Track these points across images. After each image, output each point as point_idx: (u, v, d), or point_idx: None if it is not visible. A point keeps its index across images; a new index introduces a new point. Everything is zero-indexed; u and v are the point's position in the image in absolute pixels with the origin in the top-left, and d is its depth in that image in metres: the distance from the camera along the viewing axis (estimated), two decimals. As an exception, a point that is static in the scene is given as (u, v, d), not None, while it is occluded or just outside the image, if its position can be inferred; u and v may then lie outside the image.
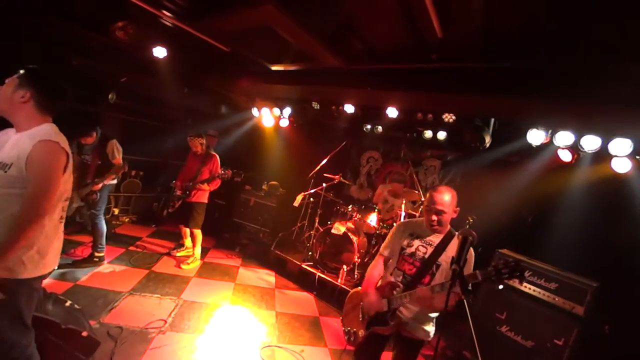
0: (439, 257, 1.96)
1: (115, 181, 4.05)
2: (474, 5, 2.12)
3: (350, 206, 4.88)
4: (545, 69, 2.84)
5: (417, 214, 4.62)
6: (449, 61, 2.96)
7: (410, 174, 4.97)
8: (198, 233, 4.52)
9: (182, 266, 4.39)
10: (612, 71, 2.55)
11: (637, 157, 3.19)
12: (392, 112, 4.34)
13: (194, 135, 4.35)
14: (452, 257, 1.44)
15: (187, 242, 4.69)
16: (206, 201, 4.52)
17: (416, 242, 2.04)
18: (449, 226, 2.04)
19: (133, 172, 5.83)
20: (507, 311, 3.17)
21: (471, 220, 3.77)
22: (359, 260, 4.59)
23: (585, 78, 2.68)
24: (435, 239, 2.02)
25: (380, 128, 5.40)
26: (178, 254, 4.64)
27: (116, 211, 5.63)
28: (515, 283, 3.21)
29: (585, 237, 3.56)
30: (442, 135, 4.74)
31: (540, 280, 3.07)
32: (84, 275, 3.59)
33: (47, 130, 1.61)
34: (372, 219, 4.69)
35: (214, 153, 4.53)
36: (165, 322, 3.11)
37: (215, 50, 3.79)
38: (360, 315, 2.11)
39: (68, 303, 2.41)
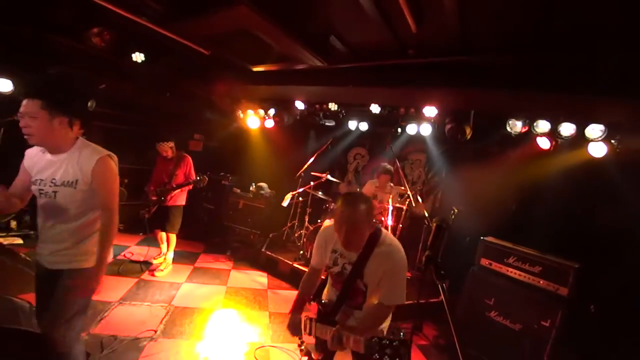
0: (361, 275, 1.75)
1: None
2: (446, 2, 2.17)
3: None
4: (520, 62, 2.92)
5: (405, 207, 4.69)
6: (425, 56, 3.01)
7: (396, 168, 5.04)
8: (173, 237, 4.41)
9: (156, 274, 4.23)
10: (584, 62, 2.63)
11: (612, 141, 3.31)
12: (375, 108, 4.40)
13: (163, 140, 4.19)
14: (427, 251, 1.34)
15: (164, 247, 4.50)
16: (184, 203, 4.42)
17: (340, 260, 1.84)
18: (365, 239, 1.72)
19: (118, 180, 5.74)
20: (495, 296, 3.25)
21: (456, 211, 3.84)
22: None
23: (559, 69, 2.77)
24: (355, 255, 1.78)
25: (365, 124, 5.45)
26: (155, 261, 4.47)
27: (102, 221, 5.52)
28: (501, 269, 3.30)
29: (567, 221, 3.69)
30: (425, 129, 4.82)
31: (524, 265, 3.16)
32: (71, 287, 3.52)
33: (93, 145, 1.91)
34: (361, 215, 4.73)
35: (185, 154, 4.41)
36: (157, 330, 3.08)
37: (196, 53, 3.77)
38: (302, 327, 1.95)
39: (54, 315, 2.37)
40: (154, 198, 4.24)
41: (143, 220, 5.61)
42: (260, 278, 4.79)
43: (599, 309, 3.32)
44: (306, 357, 2.04)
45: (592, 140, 3.31)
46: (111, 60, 3.72)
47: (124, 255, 4.67)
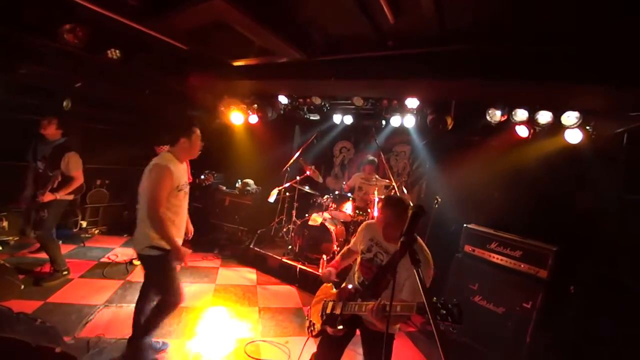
0: (395, 266, 1.78)
1: (72, 197, 3.70)
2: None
3: (326, 197, 4.94)
4: (497, 52, 2.96)
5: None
6: (404, 47, 3.03)
7: (381, 160, 5.08)
8: None
9: (135, 262, 4.38)
10: (560, 52, 2.70)
11: (587, 127, 3.42)
12: (357, 101, 4.41)
13: (160, 143, 4.26)
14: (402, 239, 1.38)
15: None
16: None
17: (375, 248, 2.06)
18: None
19: (98, 182, 5.58)
20: (479, 282, 3.35)
21: (439, 200, 3.91)
22: (338, 248, 4.66)
23: (536, 59, 2.83)
24: (392, 247, 1.99)
25: (350, 118, 5.46)
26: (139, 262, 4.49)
27: (84, 224, 5.39)
28: (484, 254, 3.39)
29: (546, 206, 3.80)
30: (409, 121, 4.86)
31: (506, 250, 3.26)
32: (53, 292, 3.44)
33: None
34: (348, 208, 4.77)
35: None
36: (145, 330, 3.05)
37: (174, 49, 3.68)
38: (321, 310, 2.13)
39: (38, 321, 2.31)
40: None
41: (126, 221, 5.55)
42: (249, 274, 4.78)
43: (577, 289, 3.46)
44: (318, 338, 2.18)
45: (568, 127, 3.41)
46: (86, 57, 3.59)
47: (108, 257, 4.58)
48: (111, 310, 3.30)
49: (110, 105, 5.38)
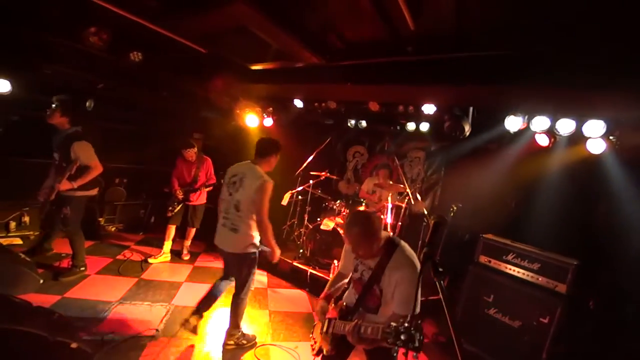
0: (379, 280, 1.85)
1: (92, 192, 3.79)
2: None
3: (338, 201, 4.92)
4: (518, 57, 2.90)
5: (404, 205, 4.69)
6: (424, 53, 3.00)
7: (395, 166, 5.03)
8: (194, 230, 4.98)
9: (150, 260, 4.56)
10: (582, 57, 2.63)
11: (611, 137, 3.30)
12: (374, 106, 4.38)
13: (188, 147, 4.61)
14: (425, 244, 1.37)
15: (166, 246, 4.77)
16: (205, 201, 4.95)
17: (360, 267, 2.00)
18: (382, 246, 1.86)
19: (117, 180, 5.73)
20: (494, 294, 3.26)
21: (455, 209, 3.85)
22: (350, 254, 4.63)
23: (558, 64, 2.76)
24: (373, 262, 1.90)
25: (364, 122, 5.44)
26: (156, 260, 4.63)
27: (102, 221, 5.53)
28: (500, 266, 3.30)
29: (565, 218, 3.68)
30: (424, 126, 4.81)
31: (523, 262, 3.16)
32: (70, 288, 3.52)
33: None
34: (361, 213, 4.73)
35: (206, 156, 4.86)
36: (158, 328, 3.09)
37: (193, 52, 3.76)
38: (321, 327, 2.09)
39: (55, 315, 2.38)
40: (181, 197, 4.64)
41: (142, 220, 5.68)
42: (260, 277, 4.79)
43: (597, 305, 3.33)
44: (319, 357, 2.16)
45: (590, 137, 3.30)
46: (109, 59, 3.70)
47: (124, 254, 4.67)
48: (125, 308, 3.36)
49: (130, 105, 5.53)
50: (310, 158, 5.36)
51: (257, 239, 2.85)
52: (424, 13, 2.44)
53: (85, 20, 3.19)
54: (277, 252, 2.92)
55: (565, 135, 3.41)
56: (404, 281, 1.75)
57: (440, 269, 1.24)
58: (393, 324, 1.35)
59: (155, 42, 3.64)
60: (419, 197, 4.84)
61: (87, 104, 4.50)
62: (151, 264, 4.52)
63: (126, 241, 5.23)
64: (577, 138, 3.43)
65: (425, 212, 4.65)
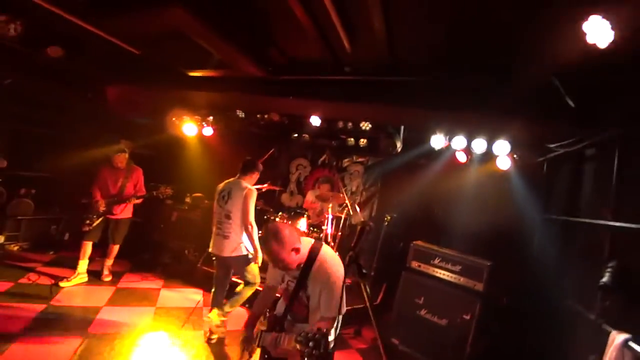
0: (305, 288, 1.89)
1: None
2: (376, 25, 2.39)
3: (280, 213, 4.90)
4: (441, 84, 3.29)
5: (344, 216, 4.87)
6: (360, 74, 3.24)
7: (336, 179, 5.21)
8: (117, 248, 4.50)
9: (61, 284, 3.96)
10: (493, 86, 3.07)
11: (515, 156, 3.89)
12: (315, 120, 4.53)
13: (119, 152, 4.26)
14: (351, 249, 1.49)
15: (81, 266, 4.22)
16: (131, 215, 4.54)
17: (286, 277, 2.01)
18: (305, 255, 1.90)
19: (23, 191, 4.92)
20: (424, 295, 3.53)
21: (389, 218, 4.11)
22: (291, 266, 4.60)
23: (474, 91, 3.19)
24: (297, 272, 1.93)
25: (307, 136, 5.56)
26: (69, 283, 4.05)
27: (1, 239, 4.68)
28: (429, 269, 3.60)
29: (482, 225, 4.18)
30: (363, 142, 5.10)
31: (447, 265, 3.49)
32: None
33: None
34: (302, 224, 4.77)
35: (137, 166, 4.49)
36: (70, 360, 2.69)
37: (124, 52, 3.50)
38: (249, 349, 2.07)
39: None
40: (102, 209, 4.15)
41: (55, 237, 4.96)
42: (194, 296, 4.49)
43: (511, 300, 3.79)
44: None
45: (499, 155, 3.84)
46: (22, 52, 3.25)
47: (29, 277, 4.01)
48: (30, 340, 2.86)
49: (44, 105, 4.87)
50: (252, 170, 5.27)
51: (245, 242, 3.33)
52: (359, 38, 2.65)
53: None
54: (260, 254, 3.29)
55: (479, 153, 3.93)
56: (327, 286, 1.81)
57: (364, 271, 1.34)
58: (302, 333, 1.43)
59: (80, 39, 3.32)
60: (357, 208, 5.06)
61: (-12, 101, 3.87)
62: (63, 287, 3.94)
63: (32, 262, 4.50)
64: (489, 156, 3.98)
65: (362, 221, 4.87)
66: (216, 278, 3.54)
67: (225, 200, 3.32)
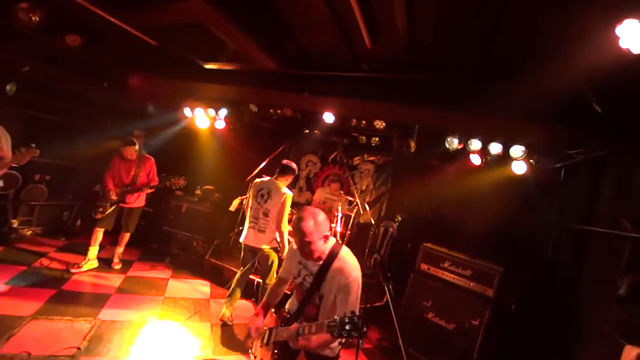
0: (320, 287, 1.86)
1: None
2: (399, 22, 2.34)
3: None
4: (459, 84, 3.23)
5: (353, 215, 4.84)
6: (377, 71, 3.19)
7: (346, 177, 5.19)
8: (128, 236, 4.55)
9: (72, 270, 4.02)
10: (512, 88, 3.00)
11: (531, 161, 3.80)
12: (328, 117, 4.49)
13: (128, 144, 4.24)
14: (372, 250, 1.48)
15: (92, 252, 4.26)
16: (143, 204, 4.61)
17: (303, 272, 1.97)
18: (327, 251, 1.87)
19: (37, 177, 4.99)
20: (432, 299, 3.49)
21: (399, 219, 4.07)
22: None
23: (492, 94, 3.12)
24: (315, 267, 1.89)
25: (318, 132, 5.53)
26: (80, 269, 4.10)
27: (15, 223, 4.77)
28: (438, 272, 3.56)
29: (494, 229, 4.12)
30: (375, 140, 5.05)
31: (457, 269, 3.45)
32: (-32, 301, 2.97)
33: None
34: (311, 221, 4.76)
35: (149, 156, 4.51)
36: (79, 347, 2.73)
37: (141, 43, 3.51)
38: (261, 340, 2.04)
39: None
40: (114, 197, 4.19)
41: (66, 223, 5.03)
42: (202, 287, 4.53)
43: (519, 307, 3.74)
44: None
45: (514, 159, 3.76)
46: (40, 40, 3.27)
47: (41, 262, 4.08)
48: (40, 323, 2.92)
49: (60, 94, 4.92)
50: (263, 164, 5.27)
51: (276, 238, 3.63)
52: (380, 34, 2.60)
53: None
54: (286, 249, 3.48)
55: (494, 156, 3.86)
56: (345, 288, 1.78)
57: (389, 274, 1.31)
58: (336, 317, 1.40)
59: (99, 28, 3.33)
60: (367, 207, 5.03)
61: (8, 87, 3.91)
62: (74, 273, 4.00)
63: (44, 247, 4.58)
64: (504, 159, 3.90)
65: (373, 222, 4.84)
66: (243, 263, 3.82)
67: (265, 200, 3.60)
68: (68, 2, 2.78)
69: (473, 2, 2.11)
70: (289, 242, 4.53)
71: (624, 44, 1.71)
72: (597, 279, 3.08)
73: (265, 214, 3.58)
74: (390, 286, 1.27)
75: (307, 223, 1.77)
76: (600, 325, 2.69)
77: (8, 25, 2.97)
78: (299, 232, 1.79)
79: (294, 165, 3.74)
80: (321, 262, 1.86)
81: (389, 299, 1.22)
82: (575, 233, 3.41)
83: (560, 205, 3.76)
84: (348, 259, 1.87)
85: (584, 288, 3.19)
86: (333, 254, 1.86)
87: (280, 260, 3.78)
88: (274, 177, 3.69)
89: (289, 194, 3.55)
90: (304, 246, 1.80)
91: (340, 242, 2.00)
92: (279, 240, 3.58)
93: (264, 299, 2.18)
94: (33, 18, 2.82)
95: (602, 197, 3.27)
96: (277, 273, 3.42)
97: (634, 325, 2.41)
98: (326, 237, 1.84)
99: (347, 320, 1.37)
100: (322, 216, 1.83)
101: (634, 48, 1.68)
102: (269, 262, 3.62)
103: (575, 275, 3.27)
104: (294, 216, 1.92)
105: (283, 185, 3.61)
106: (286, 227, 3.53)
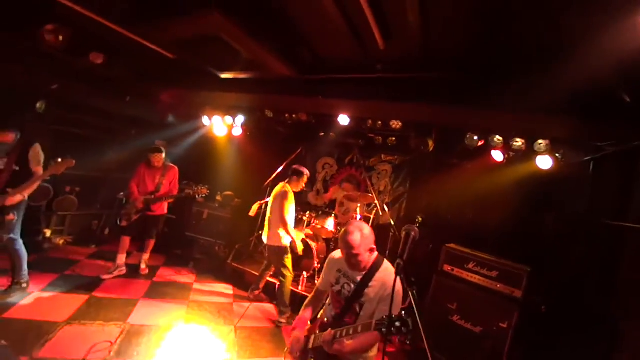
0: (362, 295, 1.89)
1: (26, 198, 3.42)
2: (411, 19, 2.31)
3: (308, 213, 4.91)
4: (476, 81, 3.15)
5: (372, 216, 4.79)
6: (392, 72, 3.16)
7: (363, 178, 5.15)
8: (153, 242, 4.73)
9: (102, 277, 4.18)
10: (533, 82, 2.90)
11: (557, 155, 3.64)
12: (343, 119, 4.48)
13: (156, 151, 4.43)
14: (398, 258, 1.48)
15: (120, 259, 4.42)
16: (166, 212, 4.73)
17: (342, 280, 2.00)
18: (371, 261, 1.92)
19: (68, 189, 5.26)
20: (457, 301, 3.40)
21: (420, 219, 3.99)
22: (319, 265, 4.61)
23: (512, 89, 3.02)
24: (358, 276, 1.93)
25: (333, 135, 5.52)
26: (110, 276, 4.26)
27: (48, 232, 5.03)
28: (462, 274, 3.46)
29: (518, 227, 3.97)
30: (391, 140, 4.99)
31: (483, 270, 3.35)
32: (9, 307, 3.14)
33: None
34: (330, 224, 4.75)
35: (173, 165, 4.66)
36: (110, 350, 2.84)
37: (160, 57, 3.63)
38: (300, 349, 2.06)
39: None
40: (141, 206, 4.34)
41: (96, 232, 5.24)
42: (225, 291, 4.61)
43: (549, 308, 3.58)
44: None
45: (539, 154, 3.62)
46: (65, 59, 3.45)
47: (73, 269, 4.28)
48: (74, 328, 3.06)
49: (86, 109, 5.17)
50: (280, 169, 5.33)
51: (285, 237, 3.92)
52: (393, 34, 2.57)
53: (46, 19, 2.96)
54: (298, 244, 4.05)
55: (518, 150, 3.72)
56: (388, 298, 1.73)
57: (413, 279, 1.30)
58: (384, 316, 1.44)
59: (119, 44, 3.48)
60: (386, 208, 4.97)
61: (39, 105, 4.15)
62: (104, 279, 4.17)
63: (76, 255, 4.80)
64: (528, 155, 3.76)
65: (392, 223, 4.78)
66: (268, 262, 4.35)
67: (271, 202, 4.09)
68: (90, 22, 2.92)
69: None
70: (310, 246, 4.59)
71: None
72: (634, 278, 2.91)
73: (272, 213, 4.00)
74: (415, 291, 1.26)
75: (354, 237, 1.83)
76: (633, 330, 2.54)
77: (36, 47, 3.14)
78: (345, 245, 1.85)
79: (301, 168, 4.10)
80: (365, 272, 1.90)
81: (413, 304, 1.21)
82: (608, 229, 3.23)
83: (590, 200, 3.58)
84: (390, 271, 1.90)
85: (620, 289, 3.02)
86: (377, 265, 1.91)
87: (294, 255, 4.10)
88: (286, 181, 4.05)
89: (286, 188, 3.92)
90: (351, 258, 1.86)
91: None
92: (282, 234, 3.87)
93: (300, 313, 2.20)
94: (59, 39, 2.97)
95: (636, 191, 3.09)
96: (288, 270, 3.95)
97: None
98: (372, 250, 1.90)
99: (395, 319, 1.41)
100: (367, 229, 1.90)
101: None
102: (281, 259, 3.93)
103: (609, 275, 3.11)
104: (342, 230, 1.97)
105: (290, 187, 3.99)
106: (286, 223, 3.81)
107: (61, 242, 5.14)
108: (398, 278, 1.80)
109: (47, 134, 4.59)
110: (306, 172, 4.12)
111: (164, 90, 4.59)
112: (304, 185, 4.17)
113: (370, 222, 4.85)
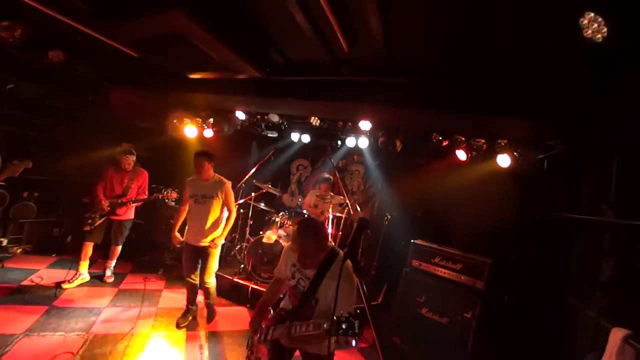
0: (316, 291, 1.88)
1: None
2: (373, 25, 2.39)
3: (281, 214, 4.91)
4: (439, 85, 3.29)
5: (344, 216, 4.87)
6: (358, 74, 3.24)
7: (336, 179, 5.23)
8: (119, 249, 4.51)
9: (63, 286, 3.97)
10: (492, 84, 3.07)
11: (515, 153, 3.88)
12: (315, 121, 4.55)
13: (128, 153, 4.31)
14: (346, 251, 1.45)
15: (83, 267, 4.25)
16: (133, 217, 4.58)
17: (297, 275, 1.99)
18: (322, 255, 1.89)
19: (25, 194, 4.95)
20: (425, 294, 3.53)
21: (389, 217, 4.11)
22: (292, 266, 4.61)
23: (473, 91, 3.18)
24: (311, 273, 1.91)
25: (307, 137, 5.57)
26: (71, 285, 4.07)
27: (4, 241, 4.72)
28: (429, 268, 3.60)
29: (482, 223, 4.17)
30: (362, 142, 5.10)
31: (448, 263, 3.50)
32: (-42, 322, 2.94)
33: None
34: (303, 225, 4.78)
35: (143, 169, 4.54)
36: (72, 361, 2.71)
37: (124, 56, 3.52)
38: (258, 338, 2.09)
39: None
40: (107, 209, 4.18)
41: (57, 239, 4.98)
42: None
43: (513, 299, 3.78)
44: None
45: (499, 153, 3.85)
46: (23, 57, 3.28)
47: (31, 280, 4.04)
48: (32, 340, 2.89)
49: (45, 109, 4.91)
50: (253, 170, 5.30)
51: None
52: (357, 39, 2.65)
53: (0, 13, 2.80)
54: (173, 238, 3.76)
55: (479, 151, 3.94)
56: (344, 289, 1.74)
57: (360, 266, 1.35)
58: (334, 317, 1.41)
59: (81, 43, 3.34)
60: (358, 208, 5.07)
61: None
62: (65, 289, 3.96)
63: (35, 264, 4.53)
64: (489, 154, 3.98)
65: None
66: None
67: None
68: (49, 19, 2.79)
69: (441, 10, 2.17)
70: (284, 247, 4.57)
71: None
72: (582, 266, 3.15)
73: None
74: (363, 280, 1.31)
75: (302, 234, 1.85)
76: (588, 311, 2.74)
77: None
78: (300, 248, 1.85)
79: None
80: (317, 268, 1.88)
81: (361, 292, 1.26)
82: (561, 222, 3.48)
83: (545, 195, 3.83)
84: (344, 264, 1.89)
85: (571, 275, 3.25)
86: (329, 259, 1.89)
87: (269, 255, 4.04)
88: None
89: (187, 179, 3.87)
90: (305, 259, 1.86)
91: (334, 244, 2.03)
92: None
93: (260, 301, 2.21)
94: (14, 35, 2.83)
95: (585, 186, 3.35)
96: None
97: (619, 309, 2.47)
98: (324, 245, 1.89)
99: (342, 320, 1.39)
100: (317, 226, 1.90)
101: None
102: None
103: (561, 264, 3.34)
104: (294, 229, 1.95)
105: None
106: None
107: (19, 251, 4.84)
108: (351, 271, 1.77)
109: (1, 136, 4.33)
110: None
111: (129, 90, 4.43)
112: None
113: (343, 221, 4.92)
